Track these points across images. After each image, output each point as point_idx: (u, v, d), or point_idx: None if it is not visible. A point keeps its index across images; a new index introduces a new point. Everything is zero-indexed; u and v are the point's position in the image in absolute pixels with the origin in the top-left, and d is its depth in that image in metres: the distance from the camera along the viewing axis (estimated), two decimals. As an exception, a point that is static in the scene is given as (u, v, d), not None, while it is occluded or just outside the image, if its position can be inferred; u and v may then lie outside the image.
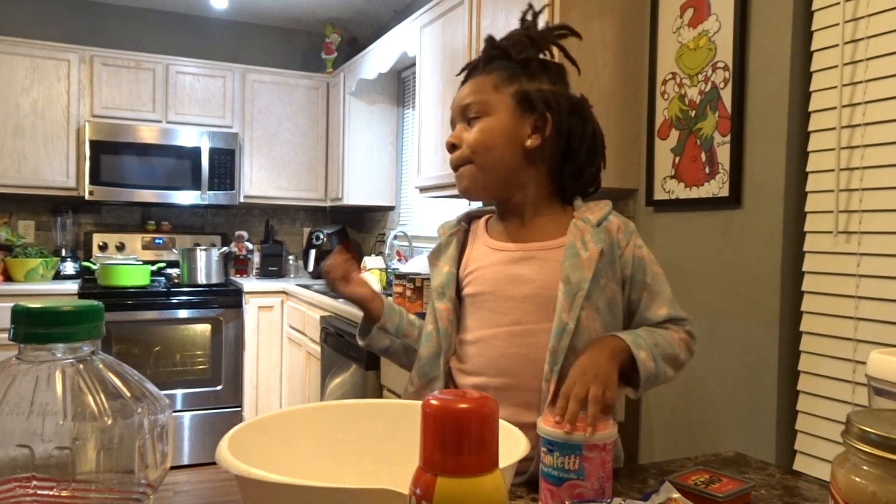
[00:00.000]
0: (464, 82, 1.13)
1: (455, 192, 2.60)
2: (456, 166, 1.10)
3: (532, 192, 1.09)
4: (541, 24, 1.16)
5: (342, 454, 0.76)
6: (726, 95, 1.76)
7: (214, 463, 0.66)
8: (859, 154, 1.49)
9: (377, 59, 3.52)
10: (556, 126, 1.06)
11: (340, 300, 3.07)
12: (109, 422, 0.48)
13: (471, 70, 1.14)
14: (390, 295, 2.89)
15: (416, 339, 1.15)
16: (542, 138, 1.06)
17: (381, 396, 2.49)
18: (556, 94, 1.07)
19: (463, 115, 1.09)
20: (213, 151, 3.85)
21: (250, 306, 3.76)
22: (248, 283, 3.82)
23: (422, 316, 1.19)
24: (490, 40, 1.13)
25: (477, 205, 1.16)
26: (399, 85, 4.08)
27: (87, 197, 3.63)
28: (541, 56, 1.11)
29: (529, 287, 1.04)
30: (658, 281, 1.08)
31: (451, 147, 1.10)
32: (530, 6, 1.17)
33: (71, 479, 0.46)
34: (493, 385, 1.02)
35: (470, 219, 1.18)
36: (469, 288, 1.09)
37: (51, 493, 0.46)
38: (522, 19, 1.15)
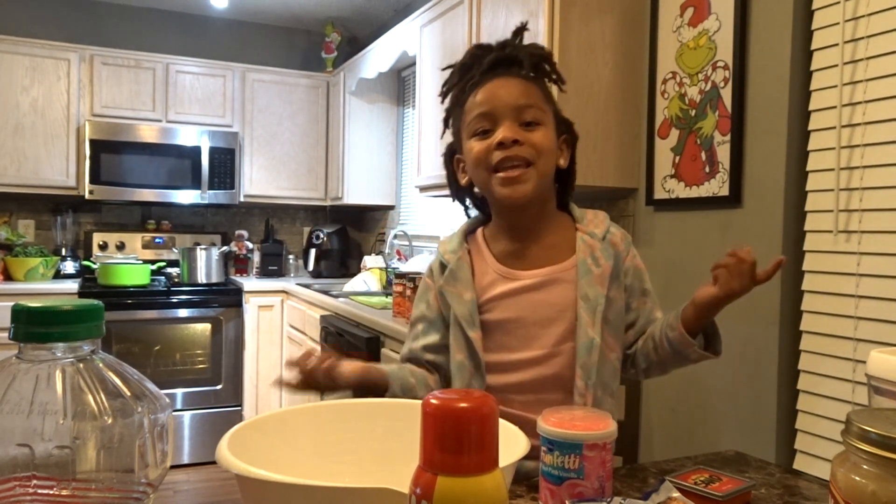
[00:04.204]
0: (495, 72, 1.07)
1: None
2: (513, 164, 1.03)
3: (549, 207, 1.12)
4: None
5: (342, 454, 0.76)
6: (726, 95, 1.76)
7: (214, 462, 0.66)
8: (859, 153, 1.49)
9: (377, 58, 3.52)
10: (573, 148, 1.12)
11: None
12: (109, 421, 0.48)
13: (510, 65, 1.08)
14: (390, 294, 2.89)
15: (416, 391, 1.08)
16: (567, 158, 1.11)
17: (381, 396, 2.48)
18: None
19: (517, 114, 1.03)
20: (213, 151, 3.85)
21: (250, 305, 3.76)
22: (248, 283, 3.82)
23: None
24: (538, 48, 1.10)
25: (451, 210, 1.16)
26: (399, 84, 4.08)
27: (87, 196, 3.63)
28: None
29: (553, 311, 1.05)
30: (652, 289, 1.15)
31: (513, 143, 1.02)
32: (525, 24, 1.15)
33: (71, 478, 0.46)
34: (521, 401, 1.04)
35: (465, 235, 1.16)
36: (490, 315, 1.07)
37: (51, 492, 0.46)
38: (518, 32, 1.13)
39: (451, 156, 1.16)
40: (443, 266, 1.12)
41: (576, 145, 1.14)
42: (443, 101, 1.15)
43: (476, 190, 1.15)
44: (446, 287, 1.10)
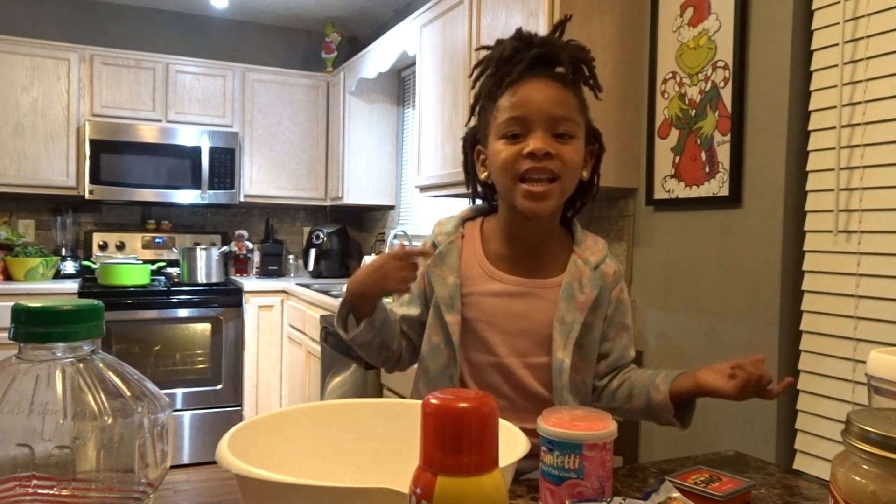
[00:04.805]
0: (533, 71, 1.02)
1: (455, 191, 2.60)
2: (539, 178, 1.00)
3: (555, 220, 1.11)
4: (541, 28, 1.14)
5: (342, 454, 0.76)
6: (726, 95, 1.76)
7: (214, 462, 0.66)
8: (859, 153, 1.49)
9: (377, 58, 3.52)
10: (598, 160, 1.10)
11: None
12: (109, 421, 0.48)
13: (550, 64, 1.04)
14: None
15: (391, 337, 1.11)
16: (589, 170, 1.09)
17: (381, 396, 2.49)
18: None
19: (551, 125, 0.99)
20: (213, 151, 3.85)
21: (250, 305, 3.76)
22: (248, 283, 3.82)
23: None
24: (581, 50, 1.05)
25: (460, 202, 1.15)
26: (399, 84, 4.08)
27: (87, 196, 3.63)
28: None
29: (526, 323, 1.05)
30: (632, 325, 1.15)
31: (545, 155, 0.98)
32: (569, 15, 1.14)
33: (71, 478, 0.46)
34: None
35: (464, 222, 1.15)
36: (466, 310, 1.07)
37: (51, 492, 0.46)
38: (559, 26, 1.09)
39: (473, 143, 1.13)
40: (434, 247, 1.12)
41: (601, 157, 1.11)
42: (473, 86, 1.11)
43: (490, 181, 1.12)
44: (432, 268, 1.10)
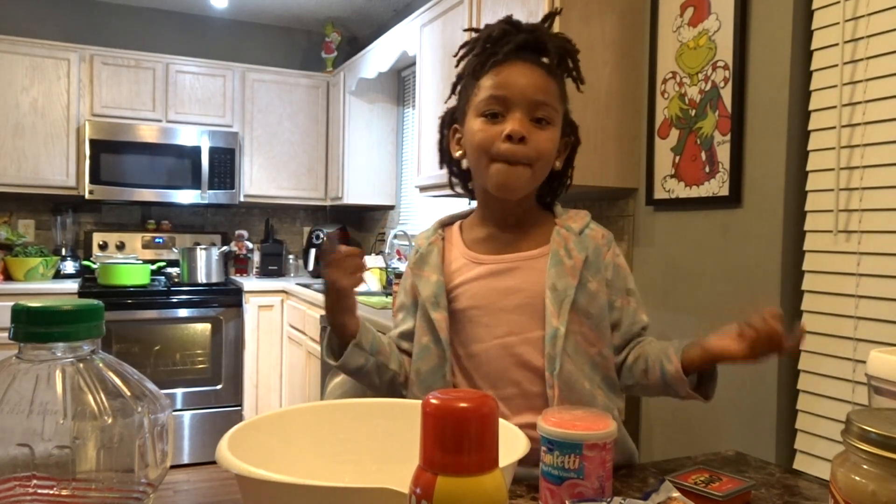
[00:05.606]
0: (519, 55, 1.02)
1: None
2: (514, 160, 1.00)
3: (531, 202, 1.11)
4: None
5: (342, 454, 0.76)
6: (726, 94, 1.76)
7: (214, 462, 0.66)
8: (859, 153, 1.49)
9: (377, 58, 3.52)
10: (572, 151, 1.11)
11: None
12: (109, 421, 0.48)
13: (536, 51, 1.04)
14: (390, 294, 2.89)
15: (388, 357, 1.09)
16: (562, 161, 1.10)
17: (381, 396, 2.48)
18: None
19: (530, 108, 1.00)
20: (213, 150, 3.85)
21: (250, 305, 3.76)
22: (248, 283, 3.82)
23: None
24: (568, 42, 1.06)
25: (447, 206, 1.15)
26: (399, 84, 4.08)
27: (87, 196, 3.63)
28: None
29: (518, 297, 1.04)
30: (636, 289, 1.11)
31: (520, 139, 0.99)
32: (559, 9, 1.14)
33: (71, 478, 0.46)
34: (497, 396, 1.03)
35: (443, 226, 1.16)
36: (457, 303, 1.06)
37: (51, 492, 0.46)
38: (548, 17, 1.10)
39: (450, 122, 1.13)
40: (417, 253, 1.13)
41: (576, 149, 1.12)
42: (457, 65, 1.11)
43: (465, 164, 1.11)
44: (415, 271, 1.10)
